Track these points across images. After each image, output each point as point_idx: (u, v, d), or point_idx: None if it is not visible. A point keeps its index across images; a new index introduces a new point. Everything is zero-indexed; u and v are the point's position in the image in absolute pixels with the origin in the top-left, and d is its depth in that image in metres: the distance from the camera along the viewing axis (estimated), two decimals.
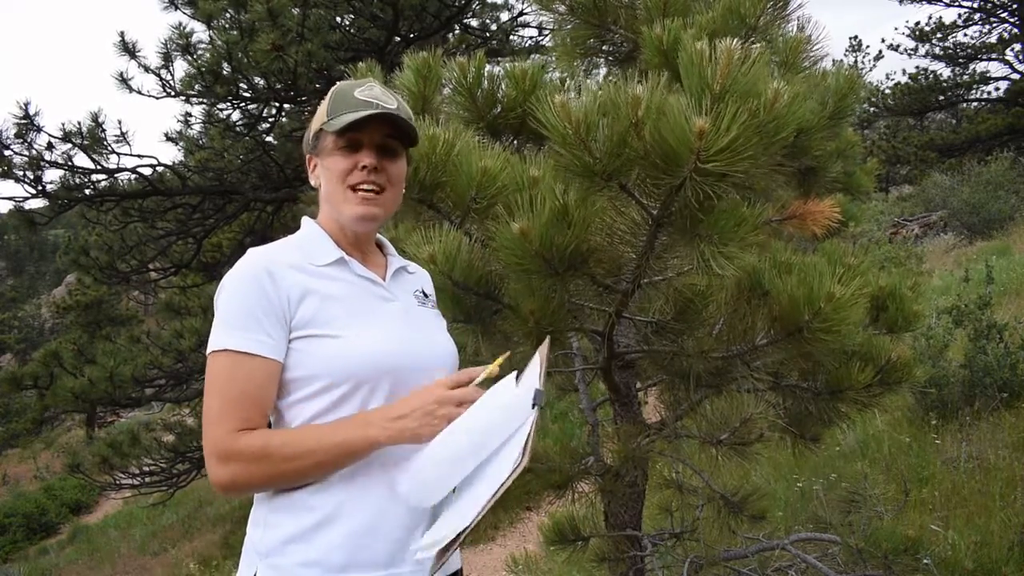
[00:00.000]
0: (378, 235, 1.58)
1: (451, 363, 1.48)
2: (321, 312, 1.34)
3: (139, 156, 8.55)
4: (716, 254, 1.55)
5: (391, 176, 1.42)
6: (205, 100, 8.65)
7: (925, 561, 2.78)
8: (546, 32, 9.81)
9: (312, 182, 1.49)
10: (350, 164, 1.39)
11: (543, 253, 1.68)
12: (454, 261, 1.91)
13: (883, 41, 41.24)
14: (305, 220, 1.50)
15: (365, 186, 1.39)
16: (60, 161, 8.03)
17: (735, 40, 1.37)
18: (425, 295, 1.56)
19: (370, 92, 1.40)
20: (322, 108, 1.44)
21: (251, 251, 1.38)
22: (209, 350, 1.32)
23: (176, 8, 7.97)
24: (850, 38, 26.65)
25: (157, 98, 8.26)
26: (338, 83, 1.46)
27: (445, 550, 1.25)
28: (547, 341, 1.40)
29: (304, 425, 1.33)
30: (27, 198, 8.15)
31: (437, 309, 1.59)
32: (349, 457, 1.28)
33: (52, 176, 11.43)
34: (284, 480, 1.29)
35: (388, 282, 1.48)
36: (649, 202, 1.64)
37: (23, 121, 7.70)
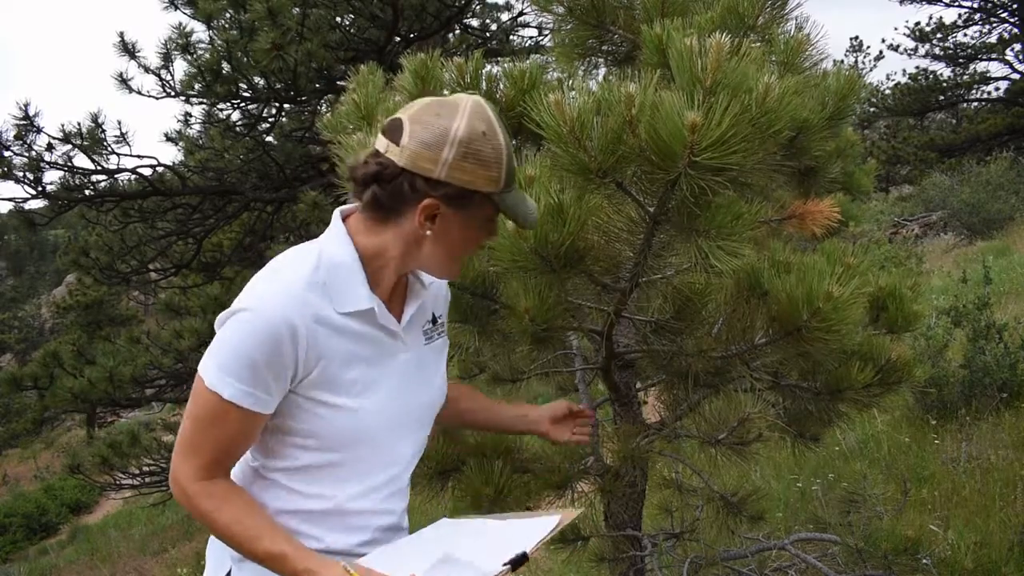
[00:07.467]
0: None
1: (431, 410, 1.48)
2: (338, 376, 1.28)
3: (139, 156, 8.51)
4: (714, 248, 1.55)
5: None
6: (205, 100, 8.64)
7: (925, 561, 2.78)
8: (546, 32, 9.82)
9: (418, 226, 1.26)
10: (482, 243, 1.41)
11: (539, 250, 1.68)
12: None
13: (883, 41, 41.20)
14: (339, 231, 1.31)
15: None
16: (60, 162, 8.02)
17: (725, 34, 1.37)
18: (434, 321, 1.50)
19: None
20: (493, 168, 1.24)
21: (276, 291, 1.24)
22: (203, 376, 1.23)
23: (176, 8, 7.97)
24: (851, 38, 26.68)
25: (157, 98, 8.25)
26: (504, 146, 1.26)
27: None
28: (572, 514, 1.35)
29: (261, 508, 1.31)
30: (27, 199, 8.15)
31: (444, 331, 1.54)
32: (270, 569, 1.27)
33: (52, 177, 11.43)
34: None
35: (404, 325, 1.39)
36: (645, 199, 1.63)
37: (23, 122, 7.68)
